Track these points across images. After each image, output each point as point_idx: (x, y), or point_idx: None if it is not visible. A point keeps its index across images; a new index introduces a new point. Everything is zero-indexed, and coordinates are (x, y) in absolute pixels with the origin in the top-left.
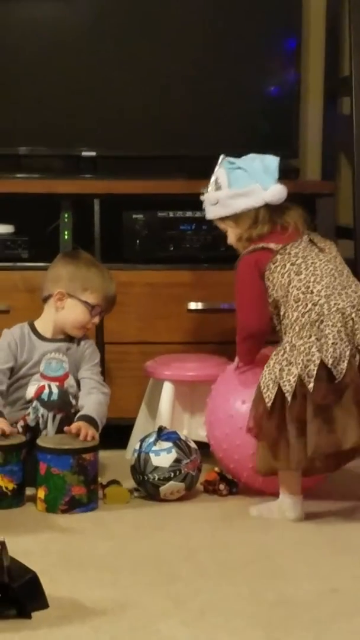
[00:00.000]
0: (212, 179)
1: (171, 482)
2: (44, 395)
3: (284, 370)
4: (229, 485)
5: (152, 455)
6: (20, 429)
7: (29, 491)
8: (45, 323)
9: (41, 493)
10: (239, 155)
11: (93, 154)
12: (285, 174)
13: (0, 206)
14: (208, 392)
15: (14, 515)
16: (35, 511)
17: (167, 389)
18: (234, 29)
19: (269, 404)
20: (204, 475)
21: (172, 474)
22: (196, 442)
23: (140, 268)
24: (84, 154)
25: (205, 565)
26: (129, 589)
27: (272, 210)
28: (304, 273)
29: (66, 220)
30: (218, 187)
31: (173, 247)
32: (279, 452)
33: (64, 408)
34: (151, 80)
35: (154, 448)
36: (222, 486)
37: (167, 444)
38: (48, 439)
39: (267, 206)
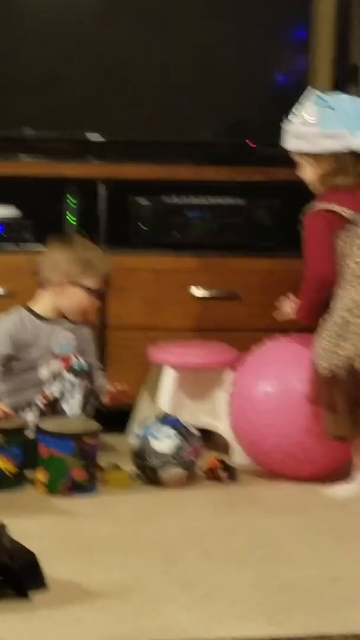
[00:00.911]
0: (299, 110)
1: (172, 468)
2: (75, 365)
3: (337, 346)
4: (230, 471)
5: (153, 440)
6: (43, 406)
7: (29, 474)
8: (43, 306)
9: (42, 476)
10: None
11: (100, 138)
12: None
13: (6, 189)
14: (210, 379)
15: (14, 498)
16: (36, 493)
17: (170, 375)
18: (243, 17)
19: (323, 374)
20: (205, 461)
21: (173, 460)
22: (197, 429)
23: (145, 254)
24: (92, 138)
25: (210, 549)
26: (133, 572)
27: (355, 160)
28: None
29: (72, 204)
30: (305, 122)
31: (178, 233)
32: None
33: (90, 377)
34: (160, 66)
35: (155, 433)
36: (222, 473)
37: (169, 430)
38: (49, 422)
39: (352, 154)
